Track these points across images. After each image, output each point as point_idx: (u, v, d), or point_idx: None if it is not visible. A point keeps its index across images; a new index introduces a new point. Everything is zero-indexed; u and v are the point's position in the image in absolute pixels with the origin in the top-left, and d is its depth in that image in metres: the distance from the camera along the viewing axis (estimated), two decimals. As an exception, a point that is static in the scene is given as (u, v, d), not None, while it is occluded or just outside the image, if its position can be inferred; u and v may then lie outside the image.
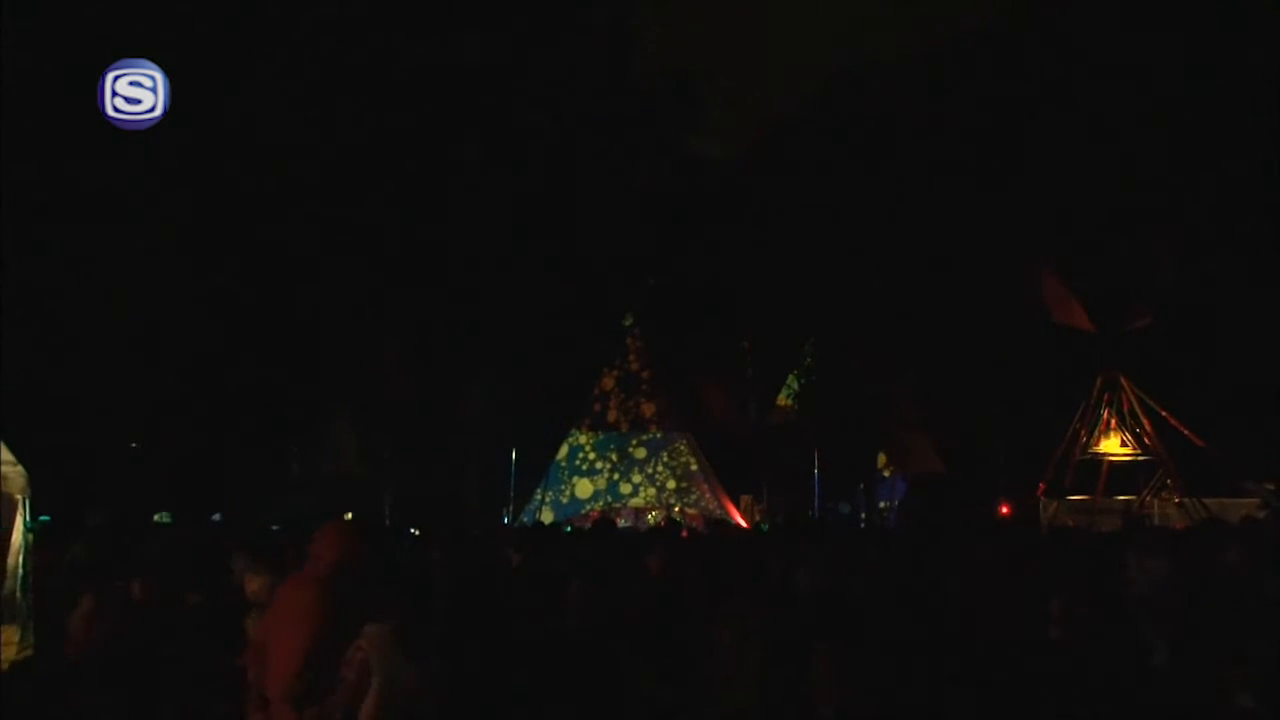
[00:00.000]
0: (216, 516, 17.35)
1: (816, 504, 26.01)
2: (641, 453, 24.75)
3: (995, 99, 26.20)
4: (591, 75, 27.02)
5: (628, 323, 26.13)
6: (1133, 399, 22.93)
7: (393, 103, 23.26)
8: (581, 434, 25.05)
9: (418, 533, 13.64)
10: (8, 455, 9.47)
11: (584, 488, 24.57)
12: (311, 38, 21.66)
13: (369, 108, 23.14)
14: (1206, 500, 21.16)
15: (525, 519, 22.98)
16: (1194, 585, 6.17)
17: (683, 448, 24.89)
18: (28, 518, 9.38)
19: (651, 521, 22.51)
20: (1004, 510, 23.40)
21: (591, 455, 24.84)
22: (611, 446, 24.78)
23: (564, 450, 24.99)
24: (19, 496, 9.29)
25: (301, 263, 22.58)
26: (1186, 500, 21.64)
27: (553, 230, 25.76)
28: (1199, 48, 24.77)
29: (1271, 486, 20.46)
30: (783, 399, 29.18)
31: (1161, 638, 5.70)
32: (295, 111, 21.55)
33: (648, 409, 25.04)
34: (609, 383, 25.39)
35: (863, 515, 27.27)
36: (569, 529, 14.90)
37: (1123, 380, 23.14)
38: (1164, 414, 22.35)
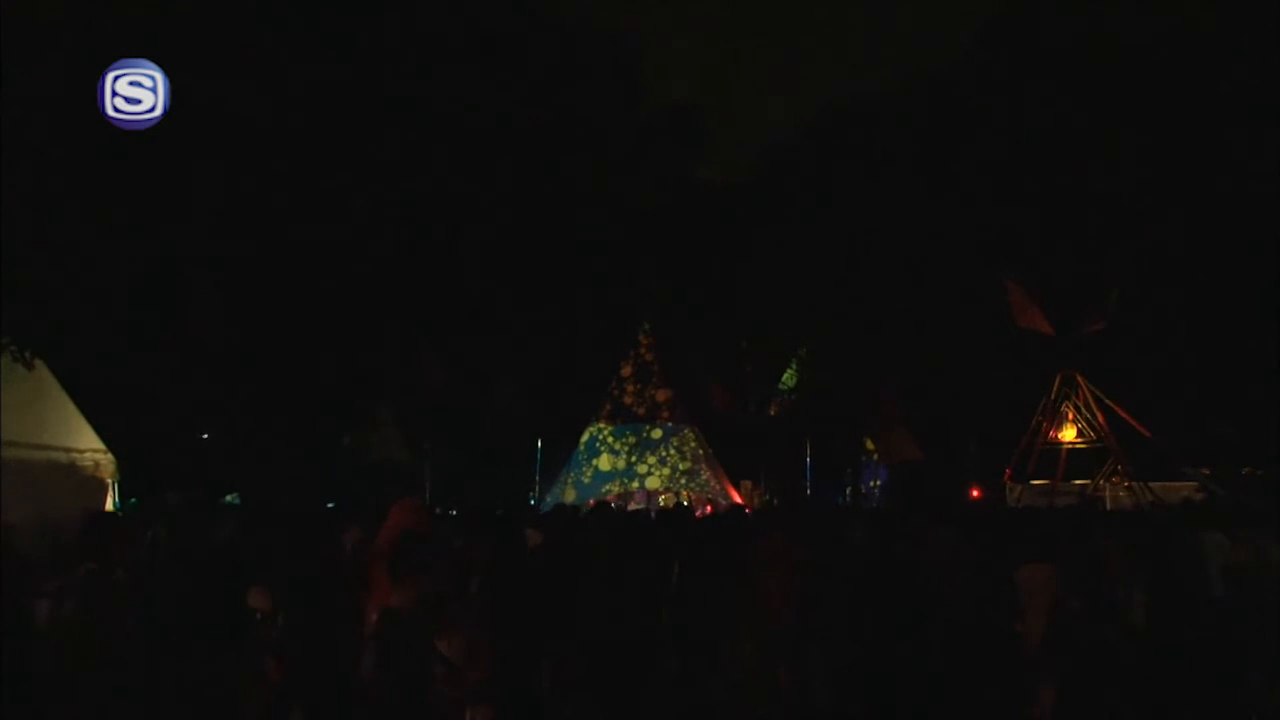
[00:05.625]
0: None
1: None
2: (658, 434, 24.74)
3: (966, 128, 26.42)
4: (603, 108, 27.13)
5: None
6: (1088, 395, 23.14)
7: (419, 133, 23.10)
8: (601, 423, 25.14)
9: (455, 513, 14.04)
10: (99, 444, 9.90)
11: (605, 462, 24.52)
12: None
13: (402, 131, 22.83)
14: (1151, 484, 21.37)
15: (550, 499, 23.13)
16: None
17: (690, 435, 24.95)
18: (117, 499, 9.78)
19: (663, 504, 22.63)
20: (975, 493, 23.64)
21: (610, 440, 24.88)
22: (628, 432, 24.81)
23: (585, 437, 25.13)
24: (109, 480, 9.74)
25: (350, 272, 22.66)
26: (1134, 484, 21.83)
27: (575, 245, 26.04)
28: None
29: (1207, 471, 20.70)
30: (780, 390, 29.36)
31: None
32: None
33: (661, 396, 25.03)
34: (626, 371, 25.43)
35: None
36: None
37: (1079, 378, 23.32)
38: (1115, 408, 22.53)
